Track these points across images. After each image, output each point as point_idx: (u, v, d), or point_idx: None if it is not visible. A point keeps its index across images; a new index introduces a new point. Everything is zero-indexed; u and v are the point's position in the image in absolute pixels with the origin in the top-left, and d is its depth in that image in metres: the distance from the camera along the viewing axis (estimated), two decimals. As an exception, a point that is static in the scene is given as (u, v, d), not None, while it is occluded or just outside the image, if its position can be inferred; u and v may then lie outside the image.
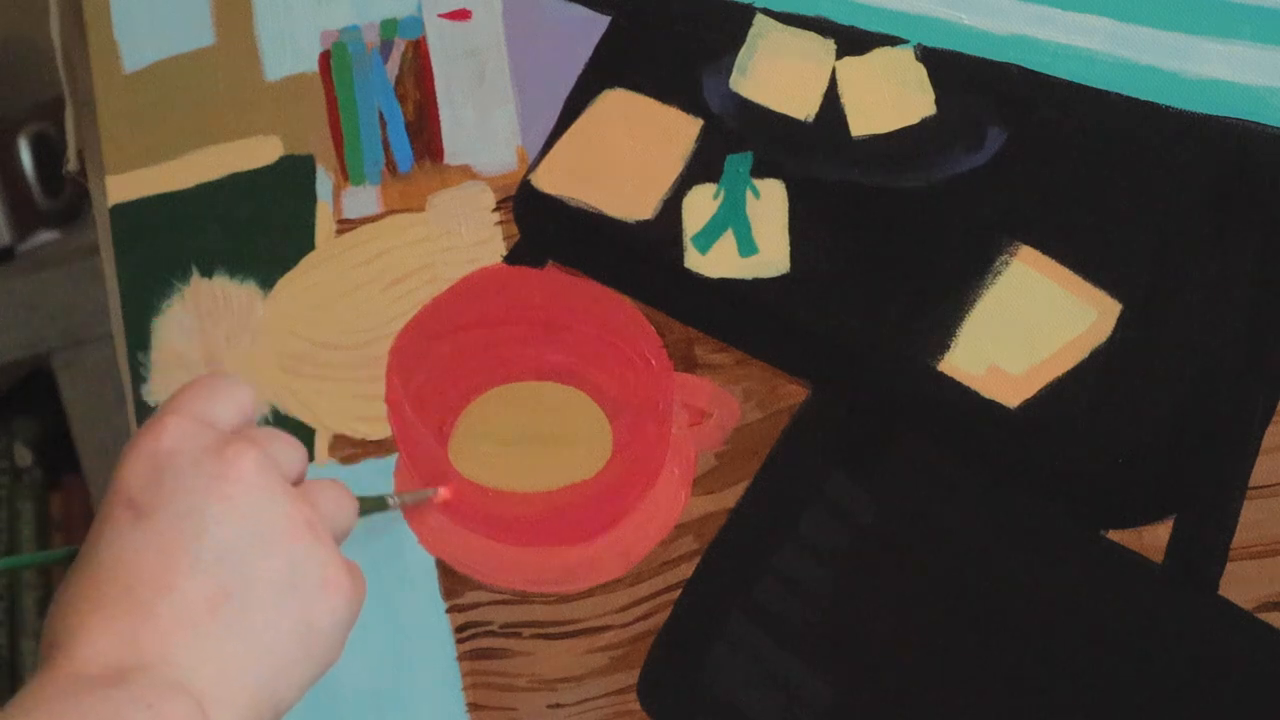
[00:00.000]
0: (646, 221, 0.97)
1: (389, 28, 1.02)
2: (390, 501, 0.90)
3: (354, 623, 0.77)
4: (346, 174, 1.01)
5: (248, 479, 0.75)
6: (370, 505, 0.87)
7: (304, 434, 1.00)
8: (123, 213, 1.04)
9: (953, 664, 0.90)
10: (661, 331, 0.96)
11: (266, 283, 1.02)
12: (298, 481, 0.79)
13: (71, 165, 1.09)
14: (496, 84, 1.00)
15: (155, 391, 1.02)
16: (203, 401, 0.78)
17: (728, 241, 0.95)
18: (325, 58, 1.02)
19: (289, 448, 0.79)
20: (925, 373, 0.92)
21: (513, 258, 0.98)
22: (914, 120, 0.94)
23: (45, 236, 1.70)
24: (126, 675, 0.70)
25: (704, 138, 0.96)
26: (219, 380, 0.79)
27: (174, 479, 0.75)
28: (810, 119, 0.95)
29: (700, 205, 0.96)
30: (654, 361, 0.95)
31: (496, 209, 0.99)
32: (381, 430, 0.99)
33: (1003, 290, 0.91)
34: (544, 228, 0.98)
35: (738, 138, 0.96)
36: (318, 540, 0.76)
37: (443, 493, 0.94)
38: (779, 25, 0.96)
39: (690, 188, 0.96)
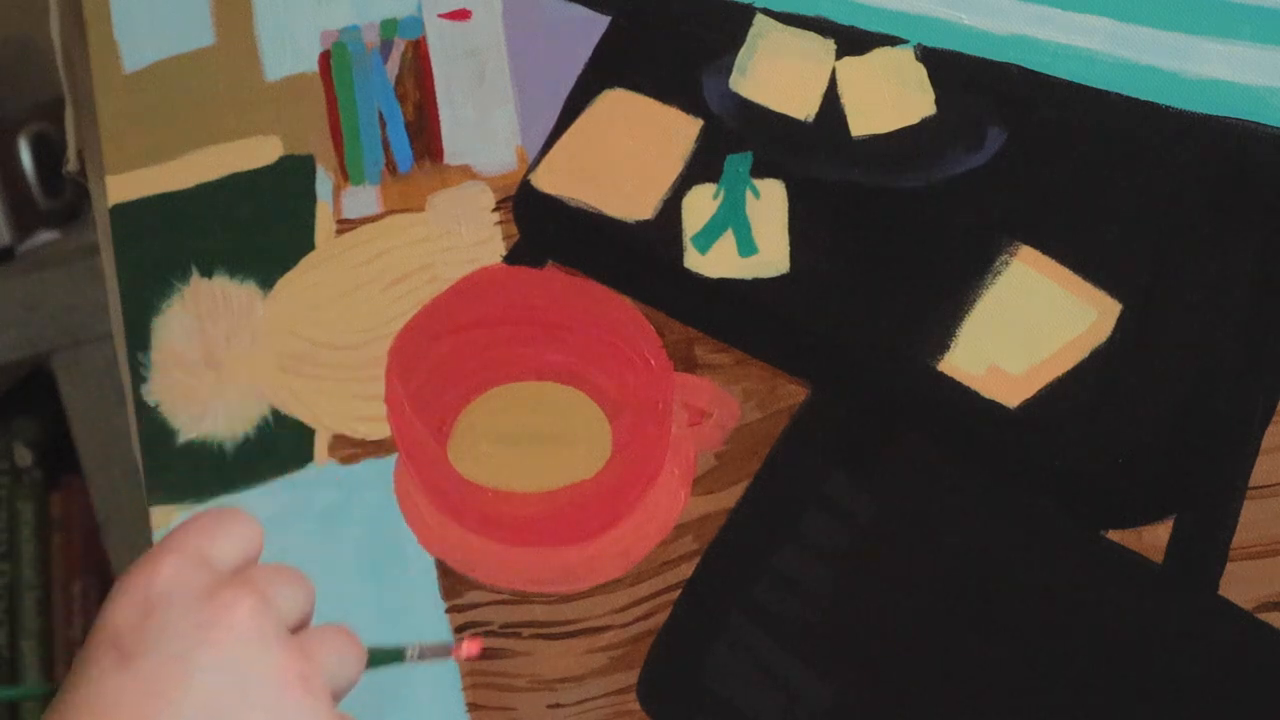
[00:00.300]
0: (646, 221, 0.97)
1: (389, 28, 1.02)
2: (409, 654, 0.82)
3: None
4: (346, 174, 1.01)
5: (240, 627, 0.71)
6: (383, 657, 0.81)
7: (304, 434, 1.00)
8: (123, 213, 1.04)
9: (953, 664, 0.90)
10: (661, 331, 0.96)
11: (266, 283, 1.02)
12: (301, 626, 0.75)
13: (71, 165, 1.09)
14: (496, 84, 1.00)
15: (155, 391, 1.02)
16: (204, 539, 0.74)
17: (728, 241, 0.95)
18: (325, 58, 1.02)
19: (292, 591, 0.75)
20: (925, 373, 0.92)
21: (513, 258, 0.98)
22: (914, 120, 0.94)
23: (45, 236, 1.70)
24: None
25: (704, 138, 0.96)
26: (224, 516, 0.75)
27: (162, 623, 0.71)
28: (810, 119, 0.95)
29: (700, 205, 0.96)
30: (654, 361, 0.95)
31: (496, 209, 0.99)
32: (381, 430, 0.99)
33: (1003, 290, 0.91)
34: (544, 228, 0.98)
35: (738, 138, 0.96)
36: (309, 696, 0.72)
37: (466, 647, 0.90)
38: (779, 25, 0.96)
39: (690, 188, 0.96)
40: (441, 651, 0.83)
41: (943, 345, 0.92)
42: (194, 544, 0.74)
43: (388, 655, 0.80)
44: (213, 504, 1.01)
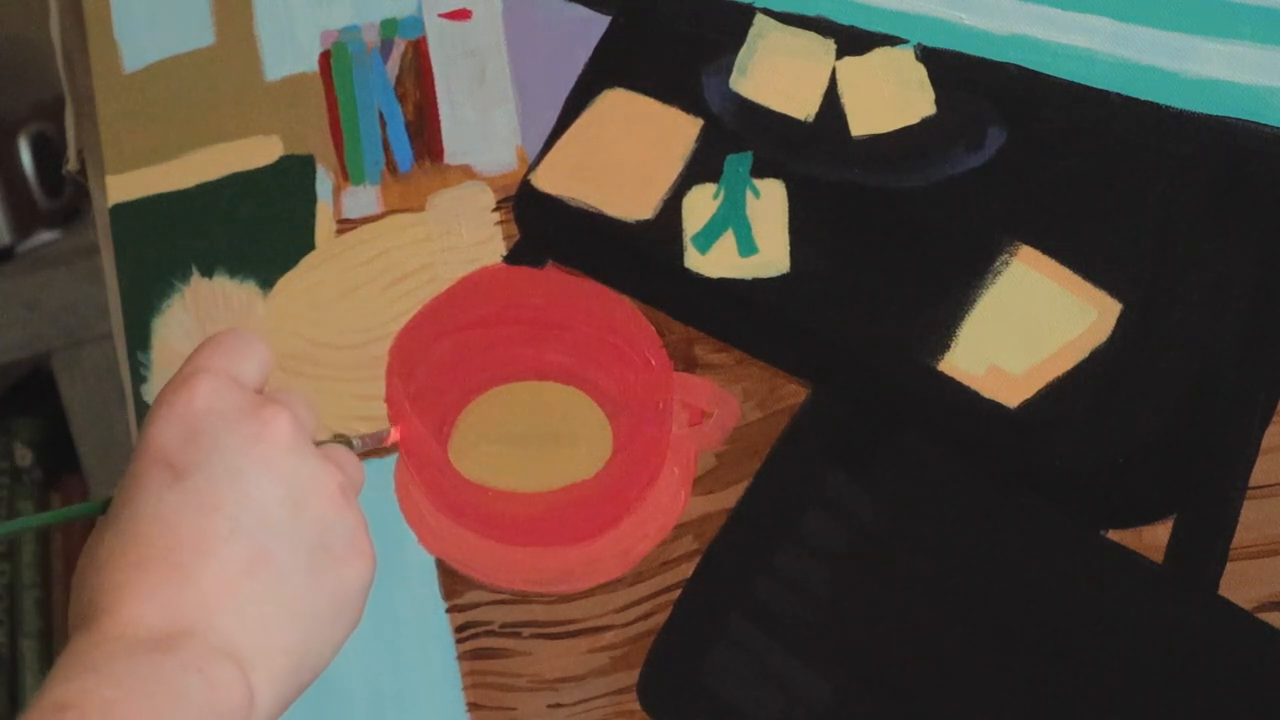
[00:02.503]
0: (646, 221, 0.97)
1: (389, 28, 1.02)
2: (354, 444, 0.88)
3: (372, 586, 0.77)
4: (346, 174, 1.01)
5: (284, 442, 0.75)
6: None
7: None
8: (123, 213, 1.04)
9: (952, 664, 0.90)
10: (661, 331, 0.96)
11: (266, 283, 1.02)
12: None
13: (71, 165, 1.09)
14: (496, 84, 1.00)
15: (155, 391, 1.02)
16: (230, 359, 0.77)
17: (728, 241, 0.95)
18: (325, 58, 1.02)
19: (307, 408, 0.79)
20: (925, 373, 0.92)
21: (513, 258, 0.98)
22: (914, 120, 0.94)
23: (45, 236, 1.70)
24: (174, 640, 0.70)
25: (704, 138, 0.96)
26: (240, 337, 0.79)
27: (211, 439, 0.74)
28: (810, 119, 0.95)
29: (700, 205, 0.96)
30: (654, 361, 0.95)
31: (496, 209, 0.99)
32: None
33: (1003, 290, 0.91)
34: (544, 228, 0.98)
35: (738, 138, 0.96)
36: (348, 504, 0.77)
37: (394, 433, 0.94)
38: (779, 25, 0.96)
39: (690, 188, 0.96)
40: (376, 440, 0.91)
41: (943, 345, 0.92)
42: (222, 364, 0.77)
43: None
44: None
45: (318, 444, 0.79)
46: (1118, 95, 0.91)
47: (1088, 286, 0.90)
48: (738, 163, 0.96)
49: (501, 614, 0.96)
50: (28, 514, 1.68)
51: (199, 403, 0.75)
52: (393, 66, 1.01)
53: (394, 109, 1.01)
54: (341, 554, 0.76)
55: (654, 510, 0.95)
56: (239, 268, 1.02)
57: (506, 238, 0.99)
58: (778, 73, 0.96)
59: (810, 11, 0.95)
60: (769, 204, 0.95)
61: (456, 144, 1.00)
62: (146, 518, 0.73)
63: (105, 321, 1.07)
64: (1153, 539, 0.88)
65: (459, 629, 0.97)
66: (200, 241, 1.03)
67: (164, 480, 0.74)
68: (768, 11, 0.96)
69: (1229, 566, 0.87)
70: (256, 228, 1.02)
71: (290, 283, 1.01)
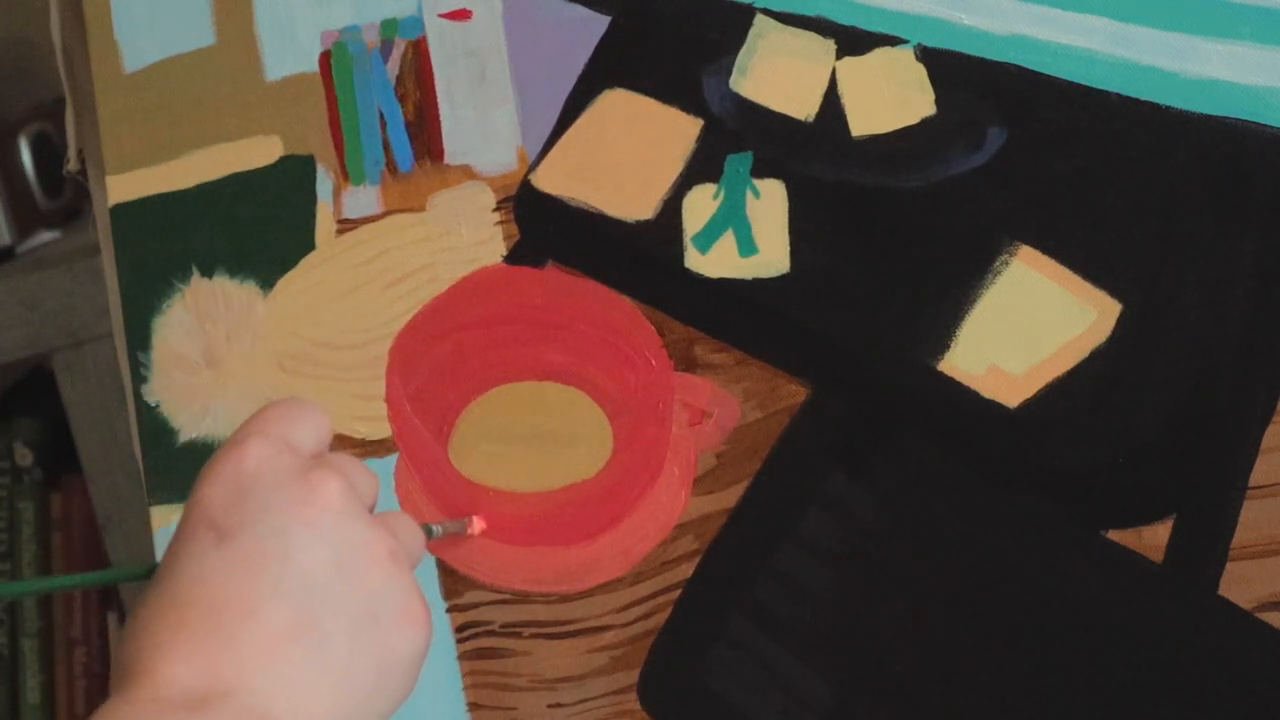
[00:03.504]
0: (646, 221, 0.97)
1: (389, 28, 1.02)
2: (434, 530, 0.88)
3: (426, 654, 0.76)
4: (347, 174, 1.01)
5: (332, 505, 0.74)
6: None
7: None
8: (123, 213, 1.04)
9: (952, 664, 0.90)
10: (661, 331, 0.96)
11: (266, 283, 1.02)
12: (370, 511, 0.78)
13: (71, 165, 1.09)
14: (496, 84, 1.00)
15: (155, 391, 1.03)
16: (285, 424, 0.76)
17: (728, 241, 0.95)
18: (325, 58, 1.02)
19: (367, 477, 0.78)
20: (925, 373, 0.92)
21: (513, 258, 0.99)
22: (914, 120, 0.94)
23: (45, 236, 1.70)
24: (206, 703, 0.69)
25: (704, 138, 0.97)
26: (299, 405, 0.78)
27: (258, 501, 0.73)
28: (810, 119, 0.95)
29: (700, 205, 0.96)
30: (654, 361, 0.95)
31: (496, 209, 0.99)
32: (381, 430, 0.99)
33: (1003, 290, 0.91)
34: (544, 228, 0.98)
35: (738, 138, 0.96)
36: (399, 570, 0.75)
37: (477, 524, 0.94)
38: (779, 25, 0.96)
39: (690, 188, 0.96)
40: (458, 529, 0.92)
41: (943, 345, 0.92)
42: (276, 429, 0.76)
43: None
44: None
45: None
46: (1118, 95, 0.91)
47: (1088, 286, 0.90)
48: (738, 163, 0.96)
49: (502, 614, 0.96)
50: (28, 515, 1.68)
51: (249, 464, 0.74)
52: (393, 66, 1.01)
53: (394, 109, 1.01)
54: (390, 621, 0.74)
55: (654, 510, 0.95)
56: (239, 268, 1.02)
57: (506, 238, 0.99)
58: (778, 73, 0.96)
59: (810, 11, 0.95)
60: (769, 204, 0.95)
61: (456, 144, 1.00)
62: (189, 578, 0.72)
63: (105, 321, 1.07)
64: (1153, 539, 0.88)
65: (459, 629, 0.97)
66: (200, 241, 1.03)
67: (209, 541, 0.73)
68: (768, 11, 0.96)
69: (1229, 566, 0.87)
70: (256, 228, 1.02)
71: (290, 283, 1.01)
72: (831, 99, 0.95)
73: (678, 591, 0.94)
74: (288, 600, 0.72)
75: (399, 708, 0.75)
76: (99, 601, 1.68)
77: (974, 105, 0.93)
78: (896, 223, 0.93)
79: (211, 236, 1.03)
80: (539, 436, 0.97)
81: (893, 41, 0.94)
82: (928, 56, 0.94)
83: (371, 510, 0.78)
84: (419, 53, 1.01)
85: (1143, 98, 0.91)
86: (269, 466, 0.74)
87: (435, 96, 1.01)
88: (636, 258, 0.97)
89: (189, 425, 1.02)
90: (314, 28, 1.02)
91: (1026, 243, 0.91)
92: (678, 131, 0.97)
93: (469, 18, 1.00)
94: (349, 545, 0.74)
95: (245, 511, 0.73)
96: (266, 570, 0.72)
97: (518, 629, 0.96)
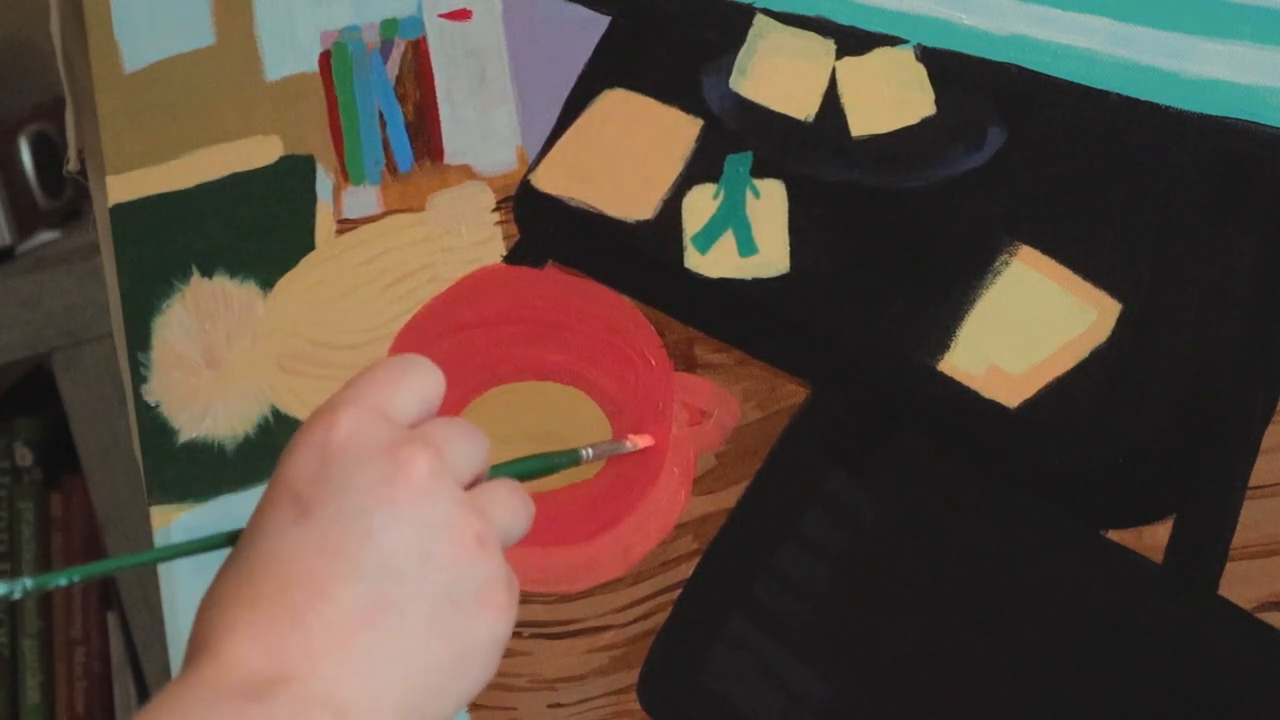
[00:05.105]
0: (646, 221, 0.97)
1: (389, 28, 1.02)
2: (585, 454, 0.83)
3: (508, 639, 0.73)
4: (347, 174, 1.01)
5: (417, 485, 0.70)
6: (557, 461, 0.82)
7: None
8: (123, 213, 1.04)
9: (952, 664, 0.90)
10: (661, 331, 0.96)
11: (266, 283, 1.02)
12: (475, 482, 0.74)
13: (71, 165, 1.09)
14: (496, 84, 1.00)
15: (155, 391, 1.02)
16: (383, 390, 0.73)
17: (728, 241, 0.95)
18: (325, 58, 1.02)
19: (468, 447, 0.74)
20: (925, 373, 0.92)
21: (513, 258, 0.98)
22: (914, 120, 0.94)
23: (45, 236, 1.70)
24: (268, 688, 0.67)
25: (704, 138, 0.96)
26: (404, 366, 0.75)
27: (341, 476, 0.70)
28: (810, 119, 0.95)
29: (700, 205, 0.96)
30: (654, 361, 0.95)
31: (496, 209, 0.99)
32: (381, 430, 0.98)
33: (1003, 290, 0.91)
34: (544, 228, 0.98)
35: (738, 138, 0.96)
36: (484, 554, 0.72)
37: (641, 440, 0.89)
38: (779, 25, 0.96)
39: (690, 188, 0.96)
40: (614, 451, 0.86)
41: (943, 345, 0.92)
42: (373, 397, 0.73)
43: (562, 459, 0.82)
44: (213, 504, 1.01)
45: (500, 466, 0.73)
46: (1118, 95, 0.91)
47: (1088, 286, 0.90)
48: (738, 163, 0.96)
49: (501, 614, 0.96)
50: (28, 515, 1.68)
51: (337, 436, 0.71)
52: (393, 66, 1.01)
53: (394, 109, 1.01)
54: (470, 606, 0.71)
55: (654, 510, 0.95)
56: (239, 268, 1.02)
57: (506, 238, 0.99)
58: (778, 73, 0.96)
59: (810, 11, 0.95)
60: (769, 204, 0.95)
61: (456, 144, 1.00)
62: (265, 554, 0.70)
63: (105, 321, 1.07)
64: (1153, 539, 0.88)
65: (459, 629, 0.96)
66: (200, 241, 1.03)
67: (290, 515, 0.70)
68: (768, 11, 0.96)
69: (1229, 566, 0.87)
70: (256, 228, 1.02)
71: (290, 283, 1.01)
72: (831, 99, 0.95)
73: (678, 591, 0.94)
74: (363, 583, 0.69)
75: (478, 692, 0.72)
76: (99, 601, 1.68)
77: (974, 105, 0.93)
78: (896, 223, 0.93)
79: (211, 236, 1.03)
80: (539, 436, 0.97)
81: (893, 41, 0.94)
82: (928, 56, 0.94)
83: (479, 478, 0.75)
84: (419, 53, 1.01)
85: (1143, 98, 0.90)
86: (357, 440, 0.71)
87: (435, 96, 1.01)
88: (636, 258, 0.97)
89: (189, 425, 1.02)
90: (314, 28, 1.02)
91: (1026, 243, 0.91)
92: (678, 131, 0.97)
93: (469, 18, 1.00)
94: (432, 529, 0.70)
95: (328, 487, 0.70)
96: (344, 551, 0.69)
97: (517, 629, 0.95)
